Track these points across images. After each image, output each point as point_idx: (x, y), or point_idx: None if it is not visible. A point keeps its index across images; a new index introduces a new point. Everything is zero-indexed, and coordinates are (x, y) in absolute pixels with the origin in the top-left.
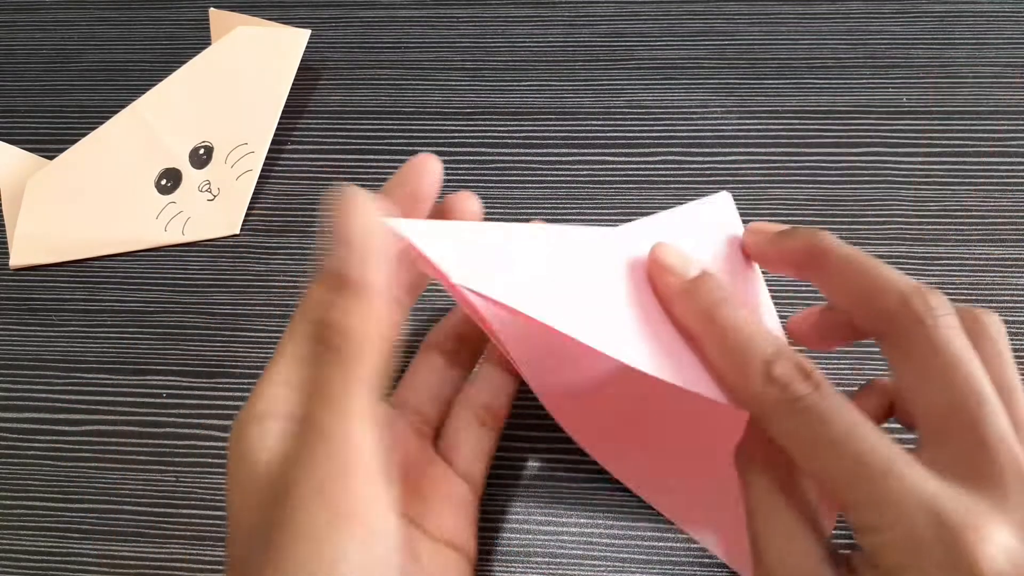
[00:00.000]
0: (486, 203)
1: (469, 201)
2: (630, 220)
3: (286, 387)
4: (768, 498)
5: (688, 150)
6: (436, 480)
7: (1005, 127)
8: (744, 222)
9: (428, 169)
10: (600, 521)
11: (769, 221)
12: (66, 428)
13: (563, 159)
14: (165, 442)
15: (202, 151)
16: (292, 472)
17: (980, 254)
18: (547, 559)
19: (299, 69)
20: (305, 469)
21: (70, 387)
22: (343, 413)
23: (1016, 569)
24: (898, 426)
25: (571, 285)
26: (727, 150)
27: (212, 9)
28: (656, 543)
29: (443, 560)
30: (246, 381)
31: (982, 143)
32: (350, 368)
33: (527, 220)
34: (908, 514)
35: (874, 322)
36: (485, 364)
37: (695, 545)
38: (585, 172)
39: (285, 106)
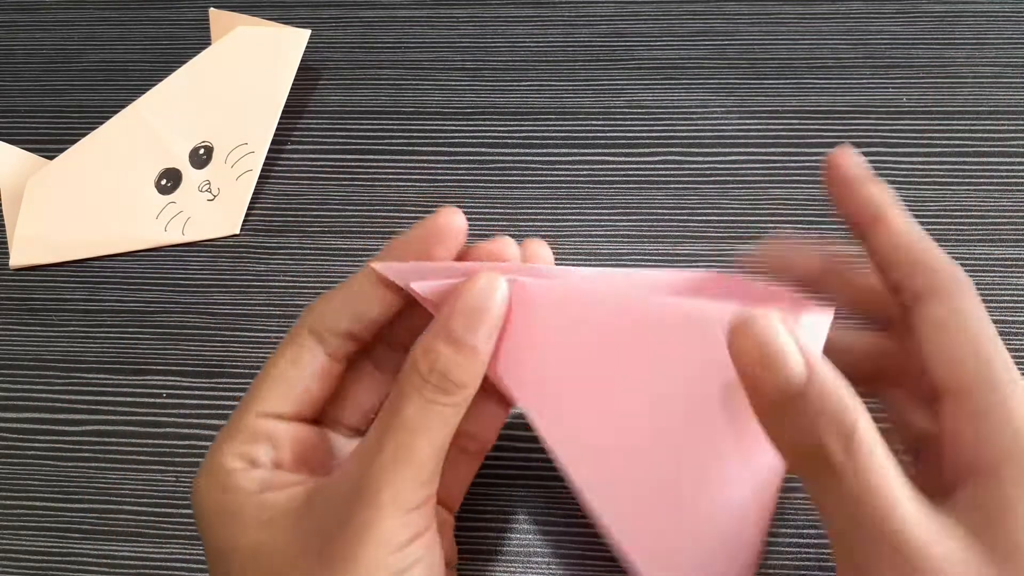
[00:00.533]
0: (486, 203)
1: (542, 250)
2: (630, 220)
3: (257, 443)
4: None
5: (688, 150)
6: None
7: (1005, 127)
8: (744, 221)
9: (451, 228)
10: None
11: (769, 221)
12: (66, 428)
13: (563, 159)
14: (165, 442)
15: (202, 151)
16: (372, 495)
17: (980, 254)
18: (547, 559)
19: (299, 69)
20: (393, 490)
21: (70, 387)
22: (437, 448)
23: None
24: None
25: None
26: (727, 150)
27: (212, 9)
28: None
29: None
30: (246, 381)
31: (982, 143)
32: (453, 417)
33: (527, 220)
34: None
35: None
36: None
37: None
38: (585, 172)
39: (285, 106)
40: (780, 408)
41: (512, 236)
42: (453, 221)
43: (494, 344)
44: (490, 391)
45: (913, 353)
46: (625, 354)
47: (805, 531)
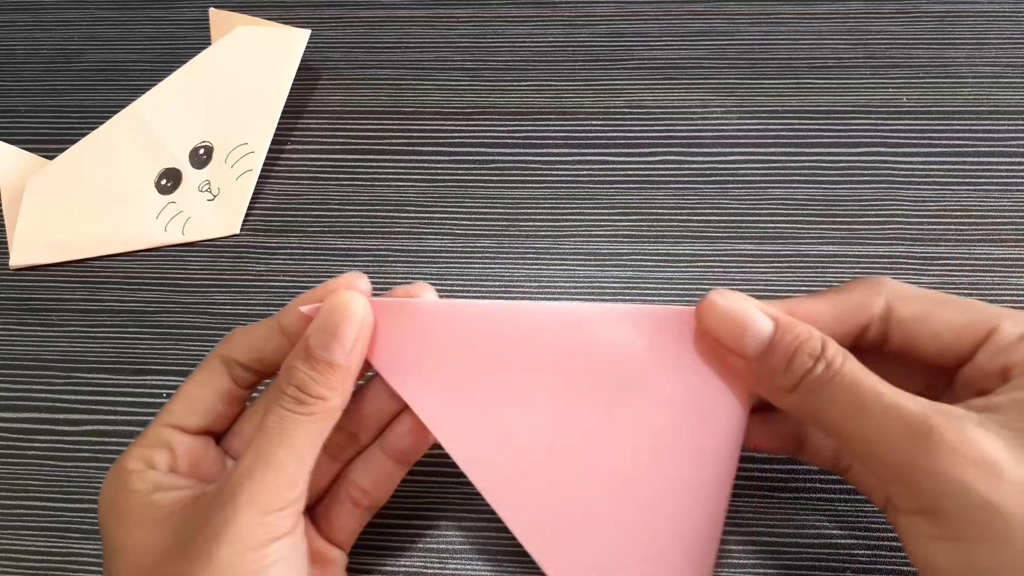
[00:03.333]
0: (486, 203)
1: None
2: (630, 220)
3: (161, 449)
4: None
5: (688, 150)
6: (315, 545)
7: (1005, 127)
8: (744, 221)
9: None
10: None
11: (769, 221)
12: (66, 428)
13: (563, 159)
14: None
15: (202, 151)
16: (231, 496)
17: (980, 254)
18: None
19: (299, 69)
20: (249, 494)
21: (70, 387)
22: (296, 455)
23: None
24: None
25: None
26: (727, 150)
27: (212, 9)
28: None
29: None
30: None
31: (982, 143)
32: (313, 425)
33: (527, 220)
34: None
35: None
36: (374, 449)
37: None
38: (585, 172)
39: (285, 106)
40: (763, 359)
41: (512, 236)
42: (356, 283)
43: (358, 357)
44: (388, 450)
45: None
46: (534, 367)
47: (805, 531)
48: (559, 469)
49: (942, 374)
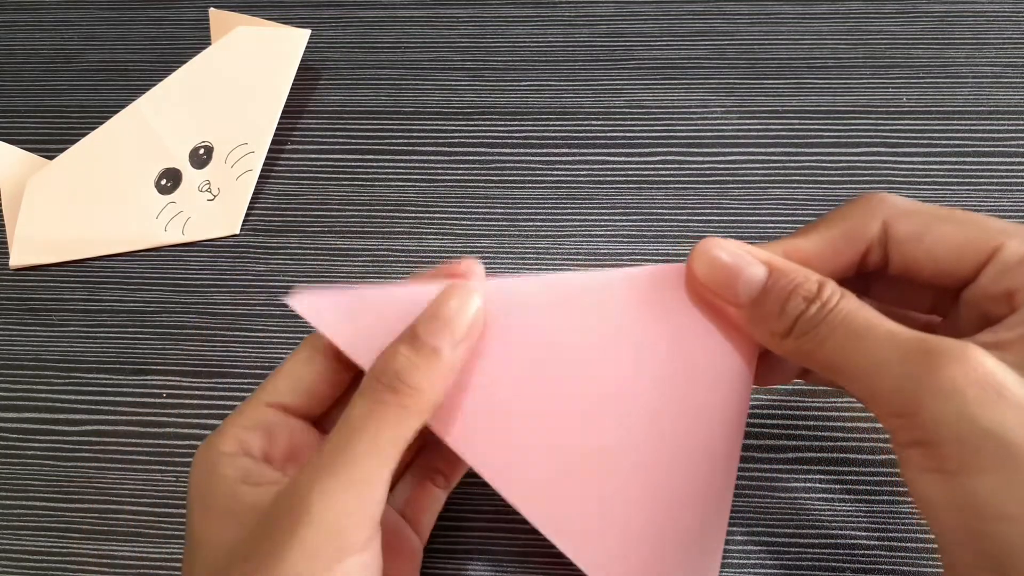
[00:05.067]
0: (486, 203)
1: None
2: (630, 220)
3: (257, 431)
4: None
5: (688, 150)
6: (396, 532)
7: (1005, 127)
8: (744, 221)
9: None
10: None
11: (769, 221)
12: (66, 428)
13: (563, 159)
14: (165, 442)
15: (202, 151)
16: (304, 493)
17: None
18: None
19: (299, 69)
20: (322, 491)
21: (70, 387)
22: (378, 451)
23: None
24: None
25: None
26: (727, 150)
27: (212, 9)
28: None
29: None
30: (246, 381)
31: (982, 143)
32: (402, 419)
33: (527, 220)
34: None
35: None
36: None
37: None
38: (585, 172)
39: (285, 106)
40: (757, 306)
41: (512, 236)
42: (475, 269)
43: (463, 355)
44: None
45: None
46: (521, 343)
47: (805, 531)
48: (564, 441)
49: (949, 297)
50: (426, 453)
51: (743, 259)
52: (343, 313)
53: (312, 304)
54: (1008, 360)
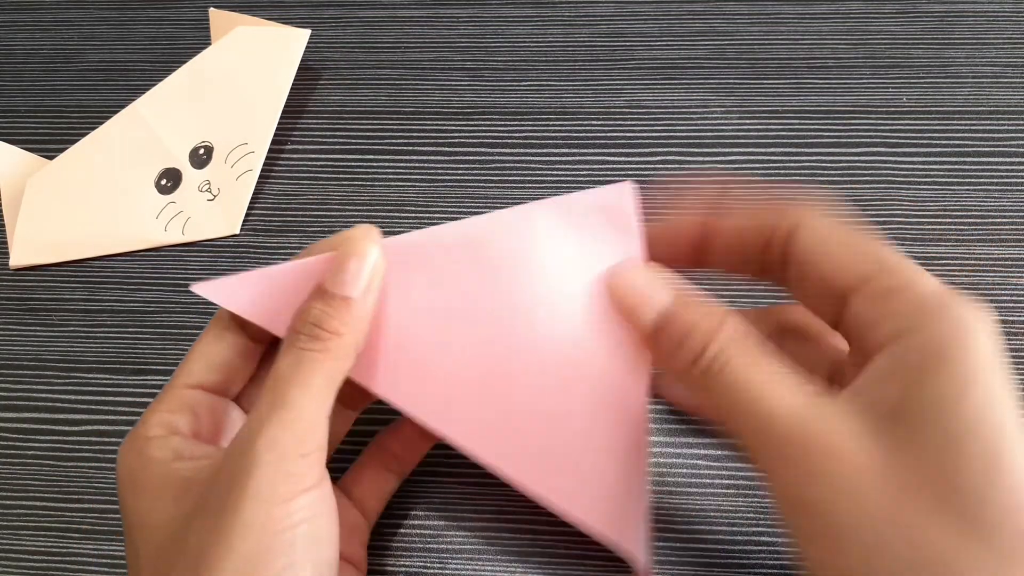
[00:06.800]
0: (486, 203)
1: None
2: None
3: (182, 412)
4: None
5: (688, 150)
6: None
7: (1005, 127)
8: None
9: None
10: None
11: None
12: (66, 428)
13: (563, 159)
14: None
15: (202, 151)
16: (248, 444)
17: (980, 254)
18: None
19: (299, 69)
20: (267, 438)
21: (70, 387)
22: (313, 395)
23: None
24: None
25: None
26: (727, 150)
27: (212, 9)
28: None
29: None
30: None
31: (982, 143)
32: (328, 363)
33: None
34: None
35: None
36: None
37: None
38: (585, 172)
39: (285, 106)
40: (655, 339)
41: None
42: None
43: (372, 300)
44: (416, 423)
45: (807, 280)
46: (463, 290)
47: None
48: (483, 371)
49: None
50: (382, 437)
51: (649, 287)
52: (250, 291)
53: (218, 288)
54: (864, 404)
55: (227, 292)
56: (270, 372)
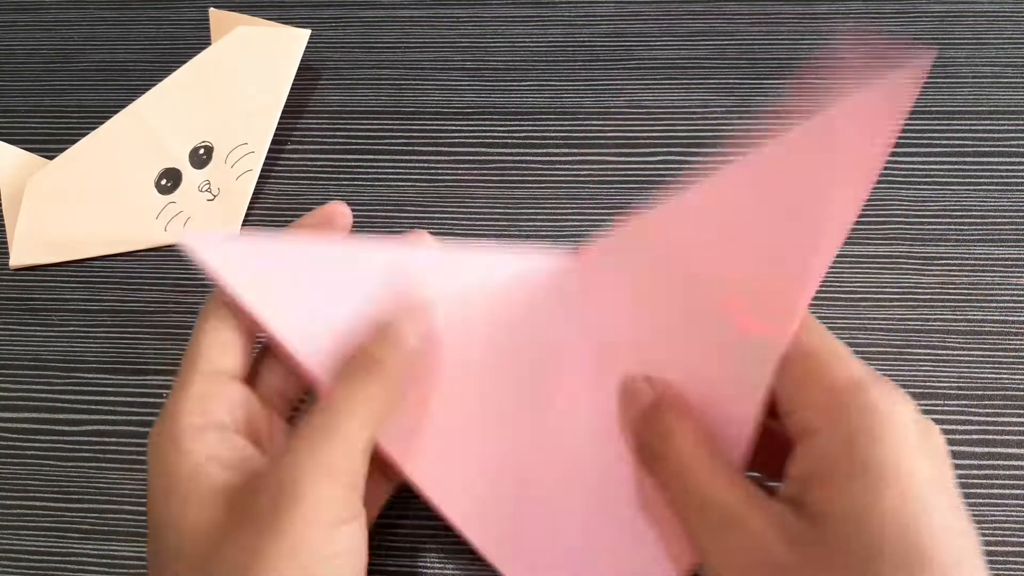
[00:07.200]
0: (486, 203)
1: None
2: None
3: (215, 398)
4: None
5: (688, 150)
6: None
7: (1005, 127)
8: None
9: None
10: None
11: None
12: (66, 428)
13: (563, 159)
14: None
15: (202, 151)
16: (300, 467)
17: (980, 254)
18: None
19: (299, 69)
20: (320, 464)
21: (70, 387)
22: (364, 429)
23: None
24: None
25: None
26: (727, 150)
27: (212, 9)
28: None
29: None
30: None
31: (982, 143)
32: (380, 402)
33: (527, 220)
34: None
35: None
36: None
37: None
38: (585, 172)
39: (285, 106)
40: (630, 425)
41: (512, 236)
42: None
43: (417, 342)
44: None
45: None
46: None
47: None
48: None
49: None
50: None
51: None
52: (246, 261)
53: (213, 247)
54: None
55: (221, 255)
56: (323, 396)
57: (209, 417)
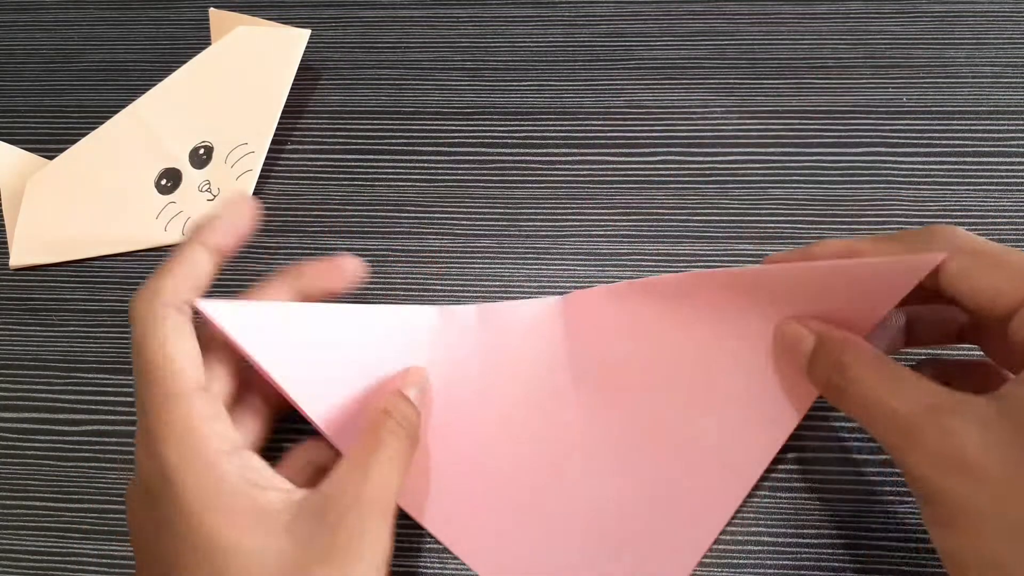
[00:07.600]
0: (486, 203)
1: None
2: (630, 220)
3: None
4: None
5: (688, 150)
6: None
7: (1005, 127)
8: (744, 221)
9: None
10: None
11: (769, 221)
12: (66, 428)
13: (563, 159)
14: None
15: (202, 151)
16: (365, 505)
17: None
18: None
19: (299, 69)
20: (376, 503)
21: (70, 387)
22: (401, 469)
23: None
24: None
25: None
26: (727, 150)
27: (212, 9)
28: None
29: None
30: None
31: (982, 143)
32: (410, 450)
33: (527, 220)
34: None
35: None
36: None
37: None
38: (585, 172)
39: (285, 106)
40: (810, 362)
41: (512, 236)
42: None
43: (420, 400)
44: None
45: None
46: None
47: (805, 531)
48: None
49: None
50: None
51: (798, 334)
52: (257, 322)
53: (224, 311)
54: (1001, 410)
55: (235, 321)
56: (363, 443)
57: (233, 442)
